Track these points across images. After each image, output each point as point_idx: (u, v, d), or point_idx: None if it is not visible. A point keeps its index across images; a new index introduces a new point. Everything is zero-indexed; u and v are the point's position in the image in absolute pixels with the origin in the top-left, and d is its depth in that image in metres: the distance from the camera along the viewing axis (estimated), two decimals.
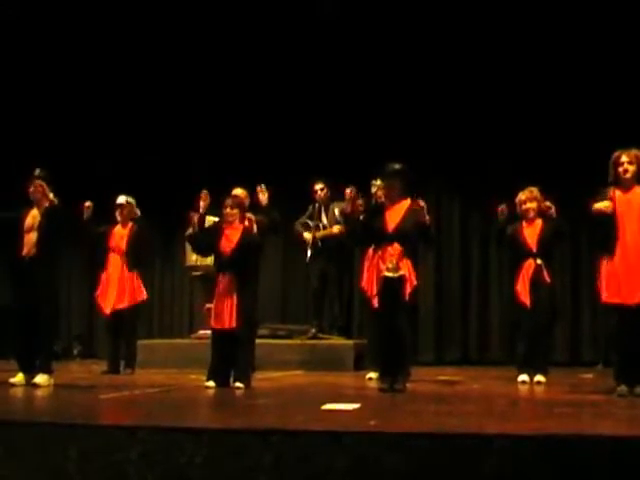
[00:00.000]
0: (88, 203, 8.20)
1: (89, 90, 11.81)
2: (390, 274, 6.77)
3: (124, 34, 11.26)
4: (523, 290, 7.78)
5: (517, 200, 8.01)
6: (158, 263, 12.44)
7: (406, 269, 6.77)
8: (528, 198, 7.96)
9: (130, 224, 9.58)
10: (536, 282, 7.78)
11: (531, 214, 7.93)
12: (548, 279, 7.84)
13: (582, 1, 10.34)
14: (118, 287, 9.36)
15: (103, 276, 9.52)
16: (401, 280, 6.76)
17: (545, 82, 10.84)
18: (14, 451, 4.33)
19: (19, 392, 7.02)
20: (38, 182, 7.59)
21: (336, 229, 9.86)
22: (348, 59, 11.10)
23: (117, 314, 9.38)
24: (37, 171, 7.64)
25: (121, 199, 9.59)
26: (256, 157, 11.42)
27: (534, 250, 7.85)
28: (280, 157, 11.47)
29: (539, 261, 7.83)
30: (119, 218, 9.56)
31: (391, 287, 6.77)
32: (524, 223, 7.98)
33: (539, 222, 7.95)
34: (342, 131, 11.33)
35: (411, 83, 11.21)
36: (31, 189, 7.57)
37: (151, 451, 4.16)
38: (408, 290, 6.76)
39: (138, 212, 9.65)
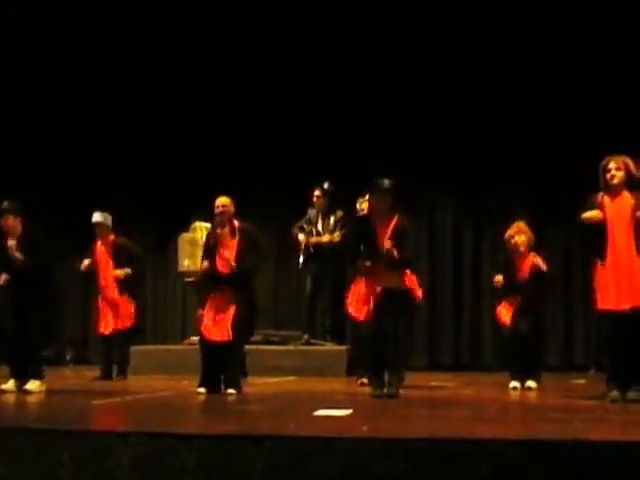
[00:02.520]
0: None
1: (87, 93, 11.80)
2: (387, 286, 6.81)
3: (123, 36, 11.26)
4: (506, 315, 7.83)
5: (506, 237, 7.97)
6: (151, 268, 12.42)
7: (408, 281, 6.90)
8: (516, 232, 7.86)
9: (111, 238, 9.53)
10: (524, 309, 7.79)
11: (522, 248, 7.82)
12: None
13: (579, 8, 10.36)
14: (112, 311, 9.38)
15: (99, 301, 9.53)
16: (398, 291, 6.82)
17: (544, 88, 10.86)
18: (6, 457, 4.33)
19: (11, 398, 7.01)
20: (7, 215, 7.55)
21: (326, 238, 9.86)
22: (345, 65, 11.11)
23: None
24: (5, 204, 7.60)
25: (96, 217, 9.50)
26: (253, 161, 11.43)
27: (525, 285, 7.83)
28: (277, 162, 11.46)
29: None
30: (98, 236, 9.50)
31: (389, 298, 6.78)
32: (517, 257, 7.90)
33: (531, 258, 7.89)
34: (338, 136, 11.33)
35: (408, 88, 11.22)
36: (1, 222, 7.57)
37: (143, 457, 4.16)
38: (417, 301, 6.95)
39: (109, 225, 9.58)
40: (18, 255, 7.43)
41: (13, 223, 7.57)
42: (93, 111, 11.92)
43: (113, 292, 9.39)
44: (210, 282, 7.59)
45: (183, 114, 11.79)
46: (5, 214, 7.57)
